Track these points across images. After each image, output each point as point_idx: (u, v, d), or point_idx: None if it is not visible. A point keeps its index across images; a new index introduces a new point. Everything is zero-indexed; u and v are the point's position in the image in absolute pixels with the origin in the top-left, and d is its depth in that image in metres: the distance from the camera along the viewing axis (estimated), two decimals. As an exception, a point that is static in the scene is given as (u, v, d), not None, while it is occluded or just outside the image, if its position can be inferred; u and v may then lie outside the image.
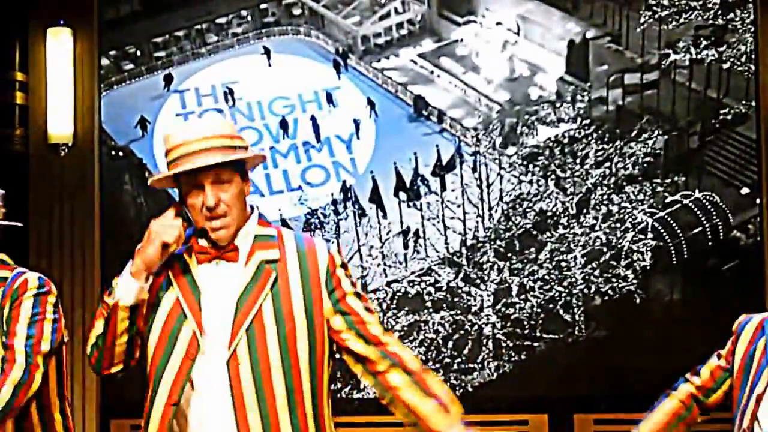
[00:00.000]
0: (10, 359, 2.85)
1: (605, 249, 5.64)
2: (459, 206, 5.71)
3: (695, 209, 5.63)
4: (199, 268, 2.49)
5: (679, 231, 5.61)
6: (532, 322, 5.64)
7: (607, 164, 5.70)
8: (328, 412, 2.51)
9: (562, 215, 5.68)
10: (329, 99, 5.85)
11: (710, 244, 5.61)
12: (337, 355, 2.57)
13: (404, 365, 2.46)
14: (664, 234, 5.61)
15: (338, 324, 2.48)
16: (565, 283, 5.64)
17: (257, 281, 2.43)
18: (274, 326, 2.40)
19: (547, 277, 5.65)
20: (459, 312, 5.67)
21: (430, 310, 5.67)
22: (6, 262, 3.06)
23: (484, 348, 5.63)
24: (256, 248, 2.48)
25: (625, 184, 5.67)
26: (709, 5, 5.72)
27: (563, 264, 5.65)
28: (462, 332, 5.64)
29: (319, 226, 5.70)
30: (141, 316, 2.47)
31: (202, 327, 2.42)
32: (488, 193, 5.71)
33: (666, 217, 5.59)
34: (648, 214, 5.64)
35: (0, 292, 2.94)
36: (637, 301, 5.61)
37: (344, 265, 2.53)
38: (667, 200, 5.65)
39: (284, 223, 5.57)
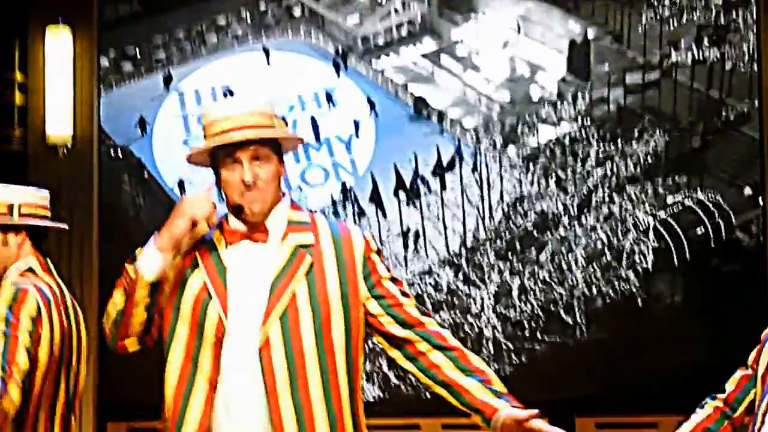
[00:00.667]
0: None
1: (606, 250, 5.60)
2: (459, 206, 5.68)
3: (697, 210, 5.59)
4: (226, 250, 2.42)
5: (680, 232, 5.57)
6: (533, 324, 5.60)
7: (609, 164, 5.66)
8: (361, 399, 2.46)
9: (562, 216, 5.65)
10: (329, 99, 5.82)
11: (712, 244, 5.57)
12: (373, 340, 2.54)
13: (445, 343, 2.42)
14: (666, 235, 5.57)
15: (375, 308, 2.43)
16: (565, 285, 5.61)
17: (291, 265, 2.38)
18: (309, 312, 2.34)
19: (547, 278, 5.62)
20: (459, 313, 5.64)
21: (430, 311, 5.63)
22: (31, 270, 2.97)
23: (484, 349, 5.59)
24: (289, 231, 2.42)
25: (626, 184, 5.64)
26: (712, 4, 5.69)
27: (564, 265, 5.62)
28: (462, 334, 5.61)
29: (318, 226, 5.68)
30: (162, 293, 2.40)
31: (227, 309, 2.36)
32: (488, 194, 5.68)
33: (668, 217, 5.56)
34: (649, 215, 5.60)
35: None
36: (639, 302, 5.57)
37: (379, 251, 2.50)
38: (669, 201, 5.61)
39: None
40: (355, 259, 2.43)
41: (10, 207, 2.99)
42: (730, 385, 2.80)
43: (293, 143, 2.60)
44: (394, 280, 2.48)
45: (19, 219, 2.98)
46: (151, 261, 2.37)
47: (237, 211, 2.42)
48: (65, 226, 3.21)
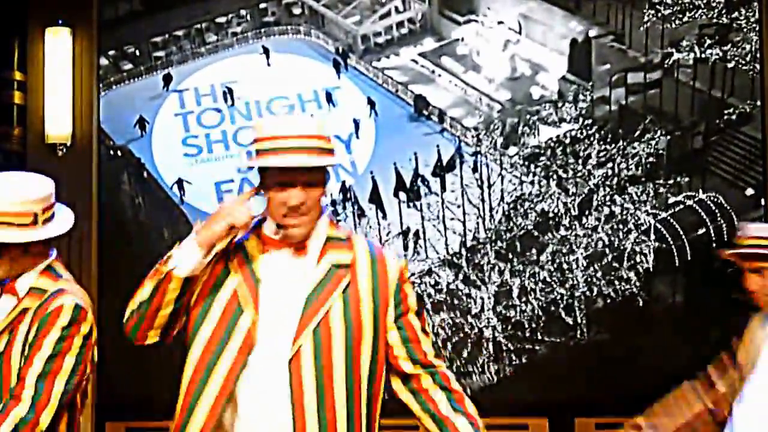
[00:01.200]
0: (17, 394, 2.66)
1: (607, 250, 5.58)
2: (459, 207, 5.66)
3: (699, 210, 5.56)
4: (262, 259, 2.44)
5: (682, 232, 5.54)
6: (533, 325, 5.58)
7: (610, 164, 5.64)
8: (378, 422, 2.49)
9: (563, 216, 5.62)
10: (329, 98, 5.80)
11: (714, 245, 5.54)
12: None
13: (448, 385, 2.49)
14: (667, 235, 5.55)
15: (393, 338, 2.47)
16: (566, 285, 5.58)
17: (328, 283, 2.41)
18: (342, 331, 2.37)
19: (548, 278, 5.59)
20: (459, 314, 5.62)
21: (430, 311, 5.61)
22: (53, 270, 2.87)
23: (484, 350, 5.57)
24: (328, 248, 2.45)
25: (627, 184, 5.61)
26: (714, 4, 5.66)
27: (565, 266, 5.59)
28: (462, 334, 5.59)
29: (318, 226, 5.65)
30: (191, 292, 2.41)
31: (257, 320, 2.37)
32: (489, 194, 5.66)
33: (669, 218, 5.53)
34: (651, 215, 5.57)
35: (35, 305, 2.75)
36: (640, 303, 5.55)
37: (410, 282, 2.54)
38: (670, 201, 5.58)
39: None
40: (389, 282, 2.47)
41: (35, 216, 2.85)
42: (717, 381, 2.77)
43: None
44: (419, 315, 2.53)
45: (42, 226, 2.87)
46: (186, 258, 2.38)
47: (279, 228, 2.44)
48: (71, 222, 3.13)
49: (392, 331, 2.47)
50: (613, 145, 5.65)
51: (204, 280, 2.43)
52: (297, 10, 5.95)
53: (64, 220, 2.93)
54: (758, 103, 5.59)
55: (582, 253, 5.59)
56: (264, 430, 2.34)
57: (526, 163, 5.68)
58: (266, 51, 5.89)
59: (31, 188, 2.85)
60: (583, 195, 5.64)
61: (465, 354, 5.60)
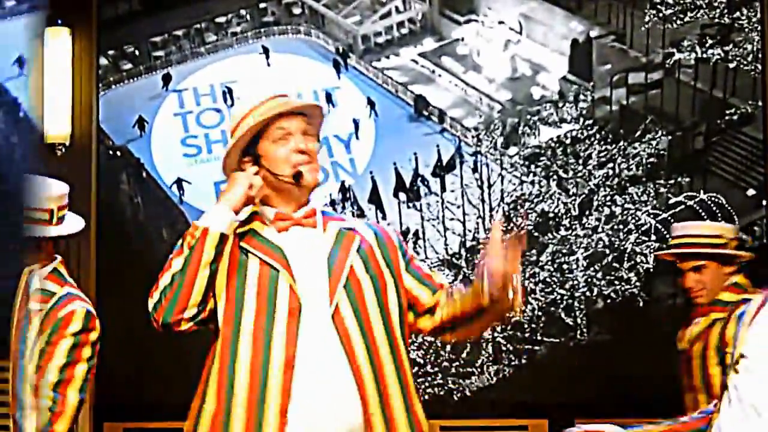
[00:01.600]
0: (34, 404, 2.67)
1: (608, 251, 5.56)
2: (459, 207, 5.64)
3: (700, 211, 5.54)
4: (272, 233, 2.54)
5: (683, 233, 5.51)
6: (533, 326, 5.56)
7: (611, 165, 5.62)
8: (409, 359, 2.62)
9: (564, 217, 5.61)
10: (329, 99, 5.79)
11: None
12: None
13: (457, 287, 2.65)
14: (668, 236, 5.52)
15: (409, 282, 2.62)
16: (566, 286, 5.57)
17: (341, 244, 2.55)
18: (369, 281, 2.52)
19: (548, 279, 5.57)
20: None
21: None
22: (59, 273, 2.88)
23: (483, 351, 5.55)
24: (328, 220, 2.61)
25: (628, 185, 5.59)
26: (715, 3, 5.64)
27: (565, 266, 5.57)
28: (461, 335, 5.56)
29: (317, 227, 5.64)
30: (222, 255, 2.45)
31: (295, 281, 2.47)
32: (489, 194, 5.64)
33: (670, 218, 5.50)
34: (652, 216, 5.56)
35: (46, 309, 2.75)
36: (640, 304, 5.53)
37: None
38: (671, 202, 5.57)
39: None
40: (393, 241, 2.66)
41: (51, 213, 2.87)
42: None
43: (321, 121, 2.78)
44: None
45: (57, 224, 2.87)
46: (218, 215, 2.46)
47: (295, 178, 2.54)
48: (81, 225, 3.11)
49: (407, 277, 2.62)
50: (614, 146, 5.63)
51: (226, 263, 2.48)
52: (297, 10, 5.94)
53: (75, 221, 2.95)
54: (760, 103, 5.57)
55: (582, 254, 5.58)
56: (323, 388, 2.42)
57: (527, 163, 5.67)
58: (266, 51, 5.88)
59: (50, 185, 2.88)
60: (584, 195, 5.62)
61: (464, 355, 5.58)
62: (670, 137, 5.62)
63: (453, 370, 5.55)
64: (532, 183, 5.65)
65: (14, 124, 5.36)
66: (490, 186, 5.66)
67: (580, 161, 5.64)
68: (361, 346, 2.45)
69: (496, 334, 5.58)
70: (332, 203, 5.66)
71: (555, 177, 5.64)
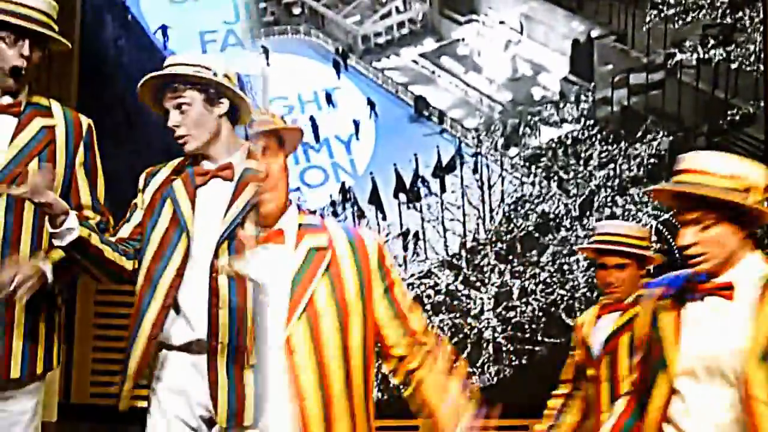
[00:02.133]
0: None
1: (609, 252, 5.53)
2: (459, 208, 5.63)
3: (701, 211, 5.51)
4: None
5: (684, 234, 5.50)
6: (534, 326, 5.54)
7: (611, 165, 5.60)
8: (373, 398, 2.52)
9: (564, 217, 5.59)
10: (329, 99, 5.78)
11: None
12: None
13: (434, 364, 2.50)
14: (669, 237, 5.51)
15: (381, 314, 2.50)
16: (567, 287, 5.55)
17: (309, 266, 2.45)
18: (330, 311, 2.42)
19: (549, 280, 5.55)
20: (458, 315, 5.58)
21: (430, 313, 5.58)
22: None
23: (484, 352, 5.54)
24: (303, 234, 2.49)
25: (629, 186, 5.58)
26: (717, 4, 5.63)
27: (565, 267, 5.55)
28: (461, 336, 5.55)
29: (317, 227, 5.63)
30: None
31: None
32: (489, 195, 5.63)
33: (670, 219, 5.48)
34: (652, 217, 5.54)
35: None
36: (641, 305, 5.50)
37: (389, 257, 2.57)
38: (673, 202, 5.54)
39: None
40: (370, 260, 2.49)
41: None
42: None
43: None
44: (404, 291, 2.57)
45: None
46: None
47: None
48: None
49: (380, 306, 2.49)
50: (615, 146, 5.61)
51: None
52: (297, 10, 5.93)
53: None
54: (762, 104, 5.55)
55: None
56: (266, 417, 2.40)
57: (527, 164, 5.65)
58: (266, 51, 5.87)
59: None
60: (585, 196, 5.60)
61: (465, 355, 5.56)
62: (671, 138, 5.60)
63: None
64: (533, 184, 5.63)
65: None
66: (490, 187, 5.64)
67: (581, 162, 5.63)
68: (311, 380, 2.37)
69: (496, 335, 5.56)
70: (333, 204, 5.66)
71: (556, 178, 5.62)
